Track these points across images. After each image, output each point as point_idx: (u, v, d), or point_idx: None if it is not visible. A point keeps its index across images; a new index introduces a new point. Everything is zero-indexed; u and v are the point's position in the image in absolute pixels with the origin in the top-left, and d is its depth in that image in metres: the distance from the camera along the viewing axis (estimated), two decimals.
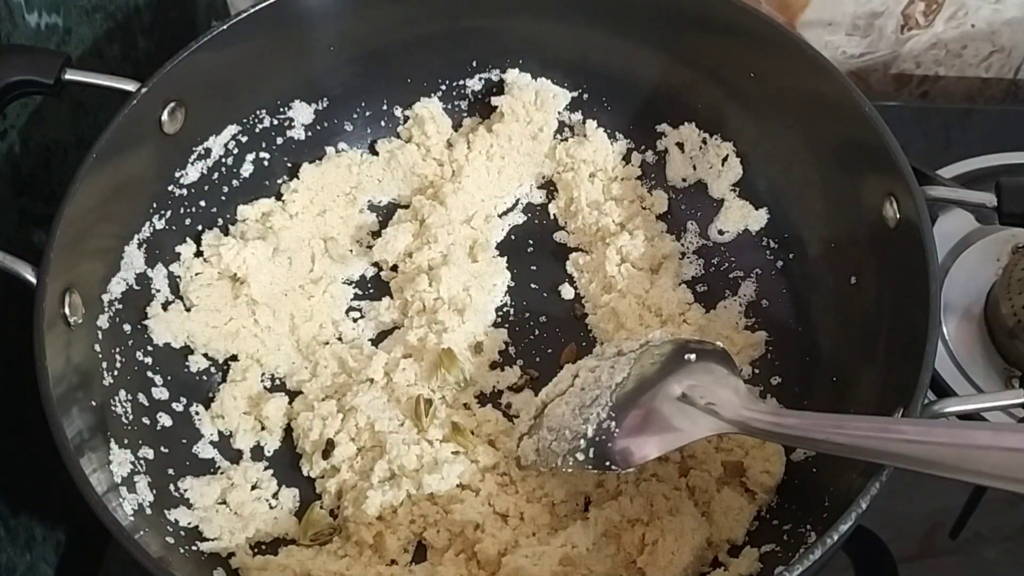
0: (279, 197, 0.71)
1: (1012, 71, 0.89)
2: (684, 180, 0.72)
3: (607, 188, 0.71)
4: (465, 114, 0.75)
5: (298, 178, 0.71)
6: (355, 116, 0.73)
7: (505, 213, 0.73)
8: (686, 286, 0.68)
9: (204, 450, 0.62)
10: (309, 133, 0.72)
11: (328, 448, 0.60)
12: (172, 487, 0.59)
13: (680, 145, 0.72)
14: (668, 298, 0.66)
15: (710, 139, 0.71)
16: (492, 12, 0.71)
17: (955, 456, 0.41)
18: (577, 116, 0.74)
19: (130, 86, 0.60)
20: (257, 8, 0.64)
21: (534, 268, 0.70)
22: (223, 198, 0.69)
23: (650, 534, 0.55)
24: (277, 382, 0.65)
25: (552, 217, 0.73)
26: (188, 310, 0.64)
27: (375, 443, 0.60)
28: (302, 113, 0.71)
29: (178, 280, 0.65)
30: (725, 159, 0.71)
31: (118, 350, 0.60)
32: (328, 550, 0.58)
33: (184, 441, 0.61)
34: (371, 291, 0.70)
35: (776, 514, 0.57)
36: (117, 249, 0.62)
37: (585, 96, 0.74)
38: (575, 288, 0.69)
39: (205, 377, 0.64)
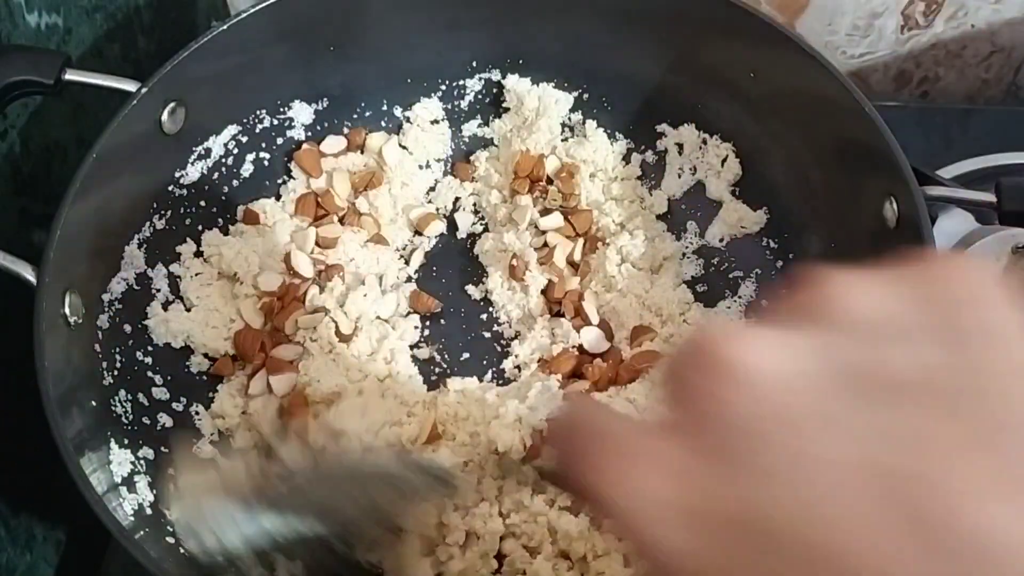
0: (279, 197, 0.71)
1: (1012, 71, 0.89)
2: (682, 187, 0.72)
3: (607, 188, 0.71)
4: (465, 114, 0.75)
5: (297, 178, 0.71)
6: (355, 116, 0.73)
7: None
8: (686, 286, 0.68)
9: (204, 450, 0.62)
10: (309, 133, 0.72)
11: None
12: (173, 487, 0.58)
13: (680, 145, 0.72)
14: (668, 298, 0.66)
15: (710, 139, 0.71)
16: (492, 12, 0.71)
17: None
18: (577, 116, 0.74)
19: (130, 86, 0.59)
20: (257, 8, 0.64)
21: None
22: (223, 198, 0.68)
23: None
24: None
25: None
26: (188, 310, 0.64)
27: None
28: (302, 113, 0.71)
29: (178, 280, 0.65)
30: (725, 159, 0.71)
31: (118, 350, 0.60)
32: None
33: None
34: None
35: None
36: (117, 249, 0.62)
37: (585, 96, 0.74)
38: None
39: (205, 377, 0.64)
